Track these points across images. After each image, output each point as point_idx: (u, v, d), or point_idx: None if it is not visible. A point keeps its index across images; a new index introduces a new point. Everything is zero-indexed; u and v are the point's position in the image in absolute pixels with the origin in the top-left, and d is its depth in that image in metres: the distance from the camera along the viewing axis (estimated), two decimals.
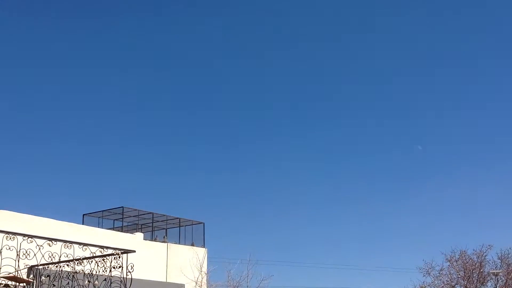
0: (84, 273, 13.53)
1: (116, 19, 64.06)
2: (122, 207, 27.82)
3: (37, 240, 12.35)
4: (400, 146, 63.23)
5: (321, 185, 63.85)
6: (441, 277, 32.44)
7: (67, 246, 13.03)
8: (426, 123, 63.37)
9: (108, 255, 13.85)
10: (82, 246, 13.32)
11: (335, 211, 63.40)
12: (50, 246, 12.62)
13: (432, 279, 32.57)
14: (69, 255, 13.13)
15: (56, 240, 12.66)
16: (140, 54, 64.65)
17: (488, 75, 62.71)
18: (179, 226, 29.49)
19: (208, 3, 65.15)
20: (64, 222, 19.30)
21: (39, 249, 12.34)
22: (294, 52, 67.16)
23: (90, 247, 13.52)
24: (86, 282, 13.35)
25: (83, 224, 25.91)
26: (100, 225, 27.89)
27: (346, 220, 63.61)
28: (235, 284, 21.16)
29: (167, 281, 24.05)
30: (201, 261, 22.74)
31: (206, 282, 22.53)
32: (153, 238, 27.88)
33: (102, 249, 13.88)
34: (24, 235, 12.09)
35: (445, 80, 63.24)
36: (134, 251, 14.30)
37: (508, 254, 31.38)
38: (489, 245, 31.79)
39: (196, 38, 65.06)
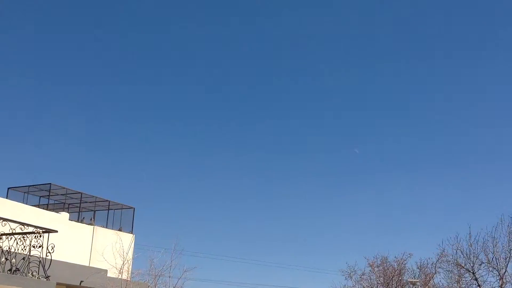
0: (2, 250, 13.02)
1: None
2: (50, 183, 26.88)
3: None
4: (336, 147, 64.35)
5: (253, 179, 64.28)
6: (361, 282, 33.34)
7: None
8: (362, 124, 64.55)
9: (29, 233, 13.41)
10: (1, 221, 12.82)
11: (264, 207, 64.04)
12: None
13: (353, 283, 33.43)
14: None
15: None
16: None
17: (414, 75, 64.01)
18: (108, 209, 28.83)
19: None
20: None
21: None
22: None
23: (10, 223, 13.03)
24: (3, 259, 12.86)
25: (7, 198, 24.92)
26: (25, 201, 26.90)
27: (274, 217, 64.22)
28: (156, 273, 20.87)
29: (90, 265, 23.52)
30: (127, 247, 22.34)
31: (129, 269, 22.15)
32: (79, 219, 27.17)
33: (22, 226, 13.41)
34: None
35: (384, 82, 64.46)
36: (56, 231, 13.89)
37: (427, 264, 32.59)
38: (409, 253, 32.94)
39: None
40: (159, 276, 20.83)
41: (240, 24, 65.41)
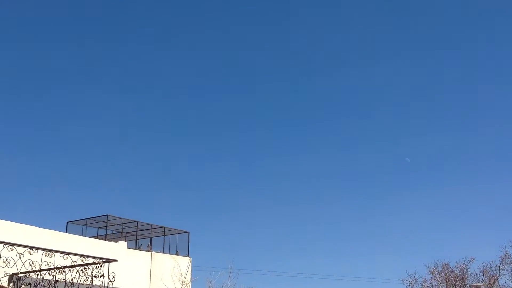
0: (65, 281, 13.50)
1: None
2: (107, 215, 27.70)
3: (18, 248, 12.32)
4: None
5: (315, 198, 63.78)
6: None
7: (48, 255, 13.02)
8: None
9: (90, 264, 13.84)
10: (63, 254, 13.30)
11: (325, 218, 63.45)
12: (30, 254, 12.59)
13: None
14: (50, 264, 13.11)
15: (36, 248, 12.63)
16: None
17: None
18: (164, 235, 29.40)
19: None
20: (46, 229, 19.17)
21: (20, 257, 12.32)
22: None
23: (72, 256, 13.50)
24: None
25: (66, 232, 25.78)
26: (84, 233, 27.74)
27: (328, 229, 63.60)
28: None
29: None
30: (185, 270, 22.73)
31: None
32: (137, 247, 27.79)
33: (83, 258, 13.87)
34: (4, 243, 12.07)
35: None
36: (116, 260, 14.29)
37: (490, 267, 31.66)
38: (471, 258, 32.08)
39: None
40: None
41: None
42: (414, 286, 32.64)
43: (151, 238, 29.77)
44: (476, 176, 59.97)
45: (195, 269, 27.04)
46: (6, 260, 12.07)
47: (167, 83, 66.32)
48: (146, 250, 26.82)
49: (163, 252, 27.69)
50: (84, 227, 28.13)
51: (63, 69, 63.75)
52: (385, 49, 65.90)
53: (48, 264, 13.08)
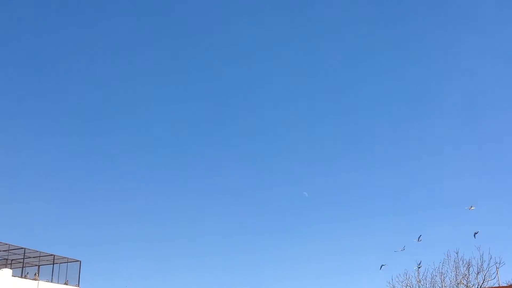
0: None
1: None
2: None
3: None
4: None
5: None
6: None
7: None
8: None
9: None
10: None
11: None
12: None
13: None
14: None
15: None
16: None
17: None
18: (53, 263, 28.14)
19: None
20: None
21: None
22: None
23: None
24: None
25: None
26: None
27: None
28: None
29: None
30: None
31: None
32: (23, 275, 26.38)
33: None
34: None
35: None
36: None
37: None
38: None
39: None
40: None
41: None
42: None
43: (39, 266, 28.40)
44: None
45: None
46: None
47: None
48: (33, 279, 25.56)
49: (52, 282, 26.50)
50: None
51: None
52: None
53: None
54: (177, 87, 72.62)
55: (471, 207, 35.36)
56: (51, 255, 28.16)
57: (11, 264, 27.36)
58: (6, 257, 27.59)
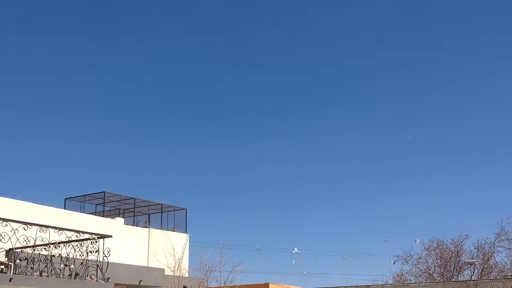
0: (61, 256, 13.72)
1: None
2: (104, 192, 27.89)
3: (12, 223, 12.51)
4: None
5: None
6: (418, 265, 33.08)
7: (43, 230, 13.20)
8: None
9: (85, 239, 14.06)
10: (57, 230, 13.50)
11: (326, 196, 63.56)
12: (25, 230, 12.77)
13: (410, 267, 33.21)
14: (44, 239, 13.31)
15: (30, 224, 12.82)
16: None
17: None
18: (161, 212, 29.64)
19: None
20: (42, 206, 19.37)
21: (14, 232, 12.50)
22: None
23: (66, 232, 13.70)
24: (63, 265, 13.55)
25: (65, 208, 26.03)
26: (82, 209, 27.96)
27: (318, 203, 63.65)
28: (207, 269, 21.64)
29: (148, 265, 24.31)
30: (181, 246, 23.04)
31: (184, 267, 22.87)
32: (135, 223, 28.06)
33: (78, 234, 14.07)
34: None
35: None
36: (110, 236, 14.49)
37: (484, 244, 32.01)
38: (465, 235, 32.42)
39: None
40: (210, 271, 21.49)
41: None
42: (409, 262, 33.09)
43: (149, 214, 30.02)
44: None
45: (193, 245, 27.41)
46: (1, 235, 12.26)
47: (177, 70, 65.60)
48: (143, 227, 27.09)
49: (161, 229, 27.96)
50: (82, 203, 28.34)
51: None
52: None
53: (43, 240, 13.28)
54: None
55: None
56: (159, 204, 29.57)
57: (123, 213, 29.12)
58: (118, 207, 29.38)
